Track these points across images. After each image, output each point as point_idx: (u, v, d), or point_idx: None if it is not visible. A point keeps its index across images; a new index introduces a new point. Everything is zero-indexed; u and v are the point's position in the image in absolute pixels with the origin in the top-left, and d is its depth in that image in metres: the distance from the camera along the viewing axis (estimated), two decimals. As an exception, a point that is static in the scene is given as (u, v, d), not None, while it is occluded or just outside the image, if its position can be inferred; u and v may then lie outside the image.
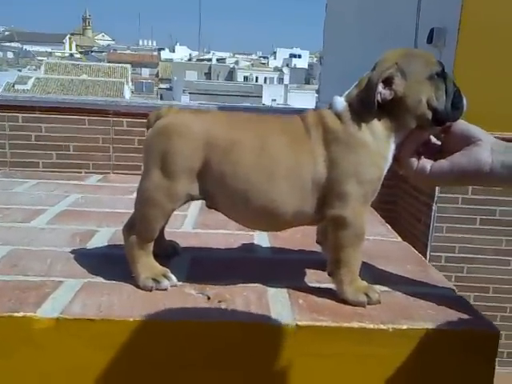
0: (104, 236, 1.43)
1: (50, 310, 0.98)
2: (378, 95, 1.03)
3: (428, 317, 1.03)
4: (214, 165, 1.06)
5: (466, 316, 1.05)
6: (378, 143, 1.05)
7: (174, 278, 1.12)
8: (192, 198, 1.10)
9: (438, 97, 1.06)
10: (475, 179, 1.06)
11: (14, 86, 28.34)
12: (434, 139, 1.14)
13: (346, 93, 1.10)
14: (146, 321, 0.97)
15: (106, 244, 1.37)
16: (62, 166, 3.97)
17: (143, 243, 1.11)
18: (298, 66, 54.36)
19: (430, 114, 1.06)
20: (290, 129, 1.09)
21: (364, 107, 1.05)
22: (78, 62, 40.14)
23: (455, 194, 3.67)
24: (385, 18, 5.06)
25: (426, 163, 1.08)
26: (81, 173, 2.37)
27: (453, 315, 1.05)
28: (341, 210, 1.05)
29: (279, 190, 1.05)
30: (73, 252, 1.29)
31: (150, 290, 1.09)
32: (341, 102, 1.08)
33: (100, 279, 1.14)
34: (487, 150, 1.03)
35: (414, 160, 1.09)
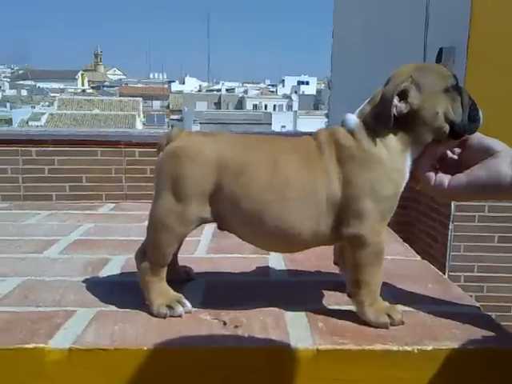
0: (117, 264, 1.41)
1: (61, 341, 0.96)
2: (394, 109, 1.01)
3: (454, 336, 0.99)
4: (226, 187, 1.04)
5: (492, 334, 1.01)
6: (393, 158, 1.03)
7: (188, 303, 1.09)
8: (205, 221, 1.08)
9: (455, 109, 1.03)
10: (495, 192, 1.03)
11: (27, 123, 28.84)
12: (450, 154, 1.11)
13: (358, 110, 1.09)
14: (161, 349, 0.94)
15: (119, 272, 1.35)
16: (75, 197, 3.97)
17: (156, 269, 1.08)
18: (306, 93, 54.81)
19: (447, 127, 1.03)
20: (302, 147, 1.07)
21: (379, 122, 1.03)
22: (90, 97, 40.87)
23: (471, 213, 3.60)
24: (392, 38, 5.09)
25: (444, 178, 1.05)
26: (102, 203, 2.39)
27: (479, 334, 1.01)
28: (358, 228, 1.02)
29: (293, 210, 1.03)
30: (85, 281, 1.27)
31: (164, 317, 1.06)
32: (353, 119, 1.06)
33: (113, 308, 1.11)
34: (507, 161, 1.00)
35: (431, 175, 1.06)
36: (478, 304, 1.16)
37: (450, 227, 3.61)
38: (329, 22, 7.51)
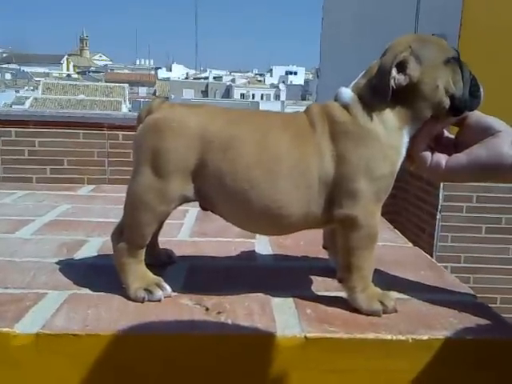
0: (93, 246, 1.33)
1: (29, 325, 0.88)
2: (392, 80, 0.94)
3: (450, 325, 0.93)
4: (211, 163, 0.96)
5: (489, 323, 0.95)
6: (390, 135, 0.96)
7: (168, 287, 1.02)
8: (187, 200, 1.01)
9: (456, 83, 0.97)
10: (496, 174, 0.97)
11: (11, 107, 28.35)
12: (446, 133, 1.05)
13: (353, 83, 1.02)
14: (137, 335, 0.87)
15: (96, 254, 1.27)
16: (56, 180, 3.86)
17: (134, 250, 1.01)
18: (294, 83, 54.60)
19: (447, 102, 0.97)
20: (293, 122, 1.00)
21: (376, 96, 0.95)
22: (75, 82, 40.25)
23: (459, 203, 3.57)
24: (383, 26, 5.02)
25: (441, 158, 0.99)
26: (82, 185, 2.29)
27: (476, 323, 0.95)
28: (351, 209, 0.95)
29: (283, 188, 0.96)
30: (59, 263, 1.19)
31: (142, 302, 0.99)
32: (348, 93, 0.99)
33: (87, 291, 1.04)
34: (508, 141, 0.94)
35: (427, 154, 1.00)
36: (473, 292, 1.11)
37: (438, 217, 3.58)
38: (319, 12, 7.43)
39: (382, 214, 0.98)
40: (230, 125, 0.99)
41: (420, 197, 3.79)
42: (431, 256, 3.65)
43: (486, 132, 0.97)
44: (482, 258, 3.64)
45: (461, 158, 0.97)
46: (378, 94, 0.95)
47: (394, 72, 0.94)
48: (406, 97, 0.96)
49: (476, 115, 1.00)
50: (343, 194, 0.95)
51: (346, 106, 0.98)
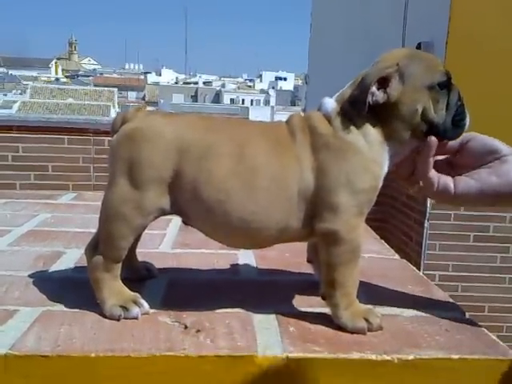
0: (71, 258, 1.28)
1: (-3, 346, 0.83)
2: (370, 96, 0.91)
3: (436, 344, 0.90)
4: (187, 173, 0.93)
5: (478, 342, 0.92)
6: (372, 149, 0.93)
7: (145, 304, 0.98)
8: (164, 213, 0.97)
9: (438, 109, 0.94)
10: (510, 202, 0.94)
11: (-2, 111, 28.08)
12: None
13: (338, 93, 0.99)
14: (111, 356, 0.83)
15: (73, 267, 1.23)
16: (40, 186, 3.80)
17: (109, 264, 0.97)
18: (283, 89, 54.72)
19: (424, 127, 0.94)
20: (272, 132, 0.97)
21: (353, 107, 0.93)
22: (64, 86, 39.98)
23: (447, 211, 3.56)
24: (371, 33, 5.02)
25: (448, 181, 0.95)
26: (63, 193, 2.24)
27: (464, 341, 0.92)
28: (332, 223, 0.92)
29: (260, 201, 0.92)
30: (33, 276, 1.15)
31: (118, 319, 0.95)
32: (330, 103, 0.96)
33: (61, 307, 1.00)
34: None
35: (434, 177, 0.96)
36: (462, 308, 1.08)
37: (426, 225, 3.56)
38: (307, 18, 7.43)
39: (370, 222, 0.94)
40: (207, 134, 0.95)
41: (408, 204, 3.77)
42: (419, 264, 3.63)
43: (491, 155, 0.94)
44: (470, 267, 3.62)
45: (471, 184, 0.94)
46: (355, 106, 0.92)
47: (373, 87, 0.91)
48: (383, 114, 0.93)
49: (478, 136, 0.97)
50: (324, 207, 0.92)
51: (328, 117, 0.95)
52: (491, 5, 3.51)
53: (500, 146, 0.94)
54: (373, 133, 0.94)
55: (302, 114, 1.01)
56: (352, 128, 0.93)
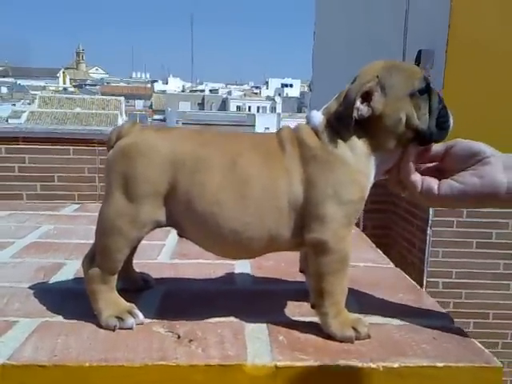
0: (71, 270, 1.32)
1: (-5, 356, 0.87)
2: (356, 111, 0.94)
3: (422, 352, 0.92)
4: (181, 186, 0.96)
5: (464, 350, 0.94)
6: (358, 160, 0.96)
7: (140, 314, 1.01)
8: (159, 225, 1.00)
9: (421, 115, 0.97)
10: (491, 201, 0.97)
11: (7, 121, 28.32)
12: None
13: (325, 106, 1.02)
14: (104, 366, 0.86)
15: (73, 278, 1.26)
16: (46, 197, 3.85)
17: (105, 276, 1.00)
18: (290, 95, 54.83)
19: (410, 134, 0.97)
20: (263, 145, 1.00)
21: (339, 124, 0.96)
22: (71, 96, 40.30)
23: (450, 218, 3.57)
24: (373, 40, 5.06)
25: (432, 183, 0.98)
26: (66, 204, 2.28)
27: (450, 350, 0.94)
28: (321, 233, 0.94)
29: (252, 212, 0.95)
30: (34, 288, 1.18)
31: (114, 330, 0.98)
32: (318, 117, 0.99)
33: (59, 318, 1.03)
34: (499, 168, 0.94)
35: (417, 179, 0.99)
36: (450, 316, 1.10)
37: (428, 232, 3.57)
38: (312, 25, 7.47)
39: (373, 229, 0.97)
40: (200, 147, 0.98)
41: (410, 211, 3.78)
42: (422, 271, 3.63)
43: (474, 158, 0.97)
44: (473, 273, 3.62)
45: (453, 185, 0.97)
46: (341, 122, 0.95)
47: (358, 102, 0.94)
48: (369, 126, 0.96)
49: (462, 141, 1.00)
50: (312, 218, 0.95)
51: (315, 130, 0.98)
52: (491, 12, 3.53)
53: (484, 148, 0.97)
54: (359, 145, 0.97)
55: (292, 127, 1.04)
56: (339, 141, 0.96)
